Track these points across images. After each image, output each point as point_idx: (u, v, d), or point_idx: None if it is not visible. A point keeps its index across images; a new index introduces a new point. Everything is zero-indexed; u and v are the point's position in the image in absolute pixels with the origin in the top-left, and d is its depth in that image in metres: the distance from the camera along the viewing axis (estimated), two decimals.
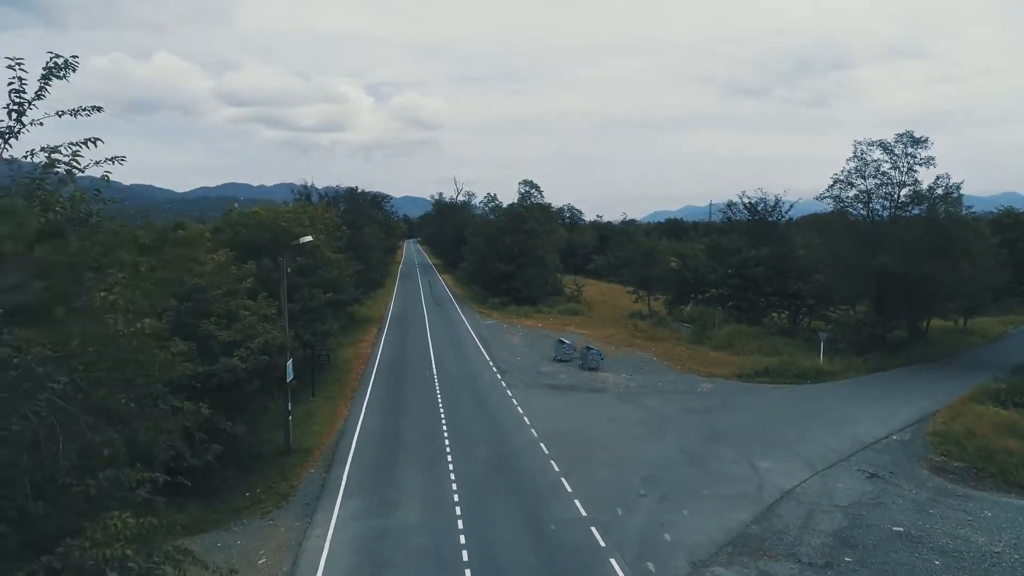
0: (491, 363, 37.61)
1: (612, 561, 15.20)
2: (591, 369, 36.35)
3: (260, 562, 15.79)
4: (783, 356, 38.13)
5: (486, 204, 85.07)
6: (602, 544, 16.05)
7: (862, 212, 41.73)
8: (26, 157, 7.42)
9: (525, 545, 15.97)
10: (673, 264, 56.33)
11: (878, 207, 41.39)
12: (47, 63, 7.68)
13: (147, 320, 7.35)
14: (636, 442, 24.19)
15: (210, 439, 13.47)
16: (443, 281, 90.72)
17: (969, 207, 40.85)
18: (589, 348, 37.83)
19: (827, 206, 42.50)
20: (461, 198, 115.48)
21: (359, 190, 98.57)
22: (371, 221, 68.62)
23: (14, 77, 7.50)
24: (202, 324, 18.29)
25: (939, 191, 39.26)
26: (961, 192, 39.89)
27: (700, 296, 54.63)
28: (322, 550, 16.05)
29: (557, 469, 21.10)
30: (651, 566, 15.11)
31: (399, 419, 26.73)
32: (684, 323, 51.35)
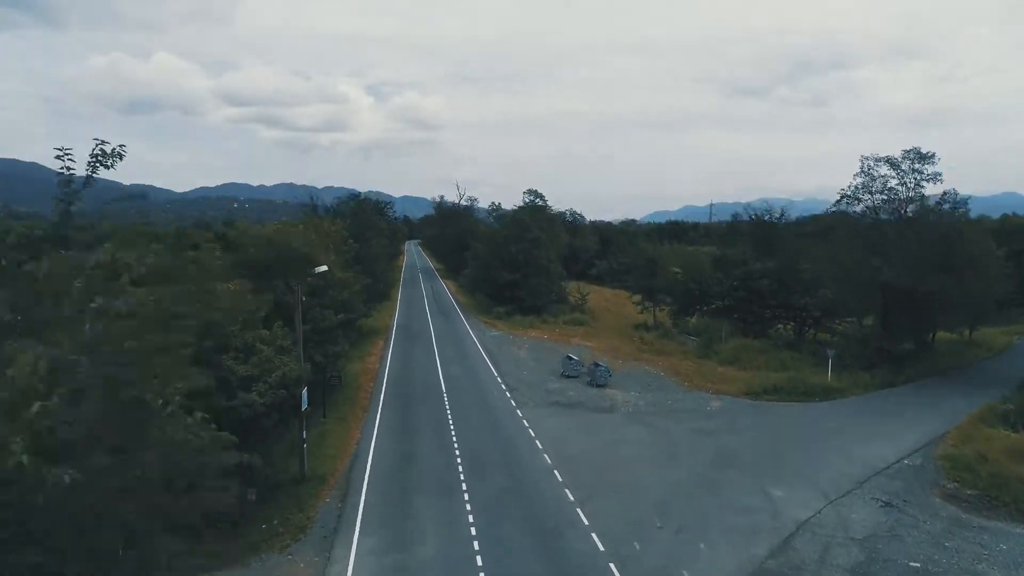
0: (499, 379, 37.67)
1: None
2: (599, 386, 36.42)
3: None
4: (790, 372, 38.20)
5: (490, 214, 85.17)
6: None
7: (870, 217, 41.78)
8: None
9: None
10: (677, 274, 56.35)
11: (885, 218, 41.53)
12: (93, 151, 7.76)
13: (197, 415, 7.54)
14: (649, 467, 24.26)
15: (237, 477, 13.60)
16: (446, 287, 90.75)
17: (967, 209, 41.04)
18: (597, 364, 37.89)
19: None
20: (463, 203, 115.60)
21: (362, 196, 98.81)
22: (376, 233, 68.58)
23: (63, 167, 7.59)
24: (221, 360, 18.34)
25: (946, 206, 39.37)
26: (968, 207, 40.06)
27: (705, 307, 54.71)
28: None
29: (572, 498, 21.17)
30: None
31: (411, 442, 26.78)
32: (690, 336, 51.40)
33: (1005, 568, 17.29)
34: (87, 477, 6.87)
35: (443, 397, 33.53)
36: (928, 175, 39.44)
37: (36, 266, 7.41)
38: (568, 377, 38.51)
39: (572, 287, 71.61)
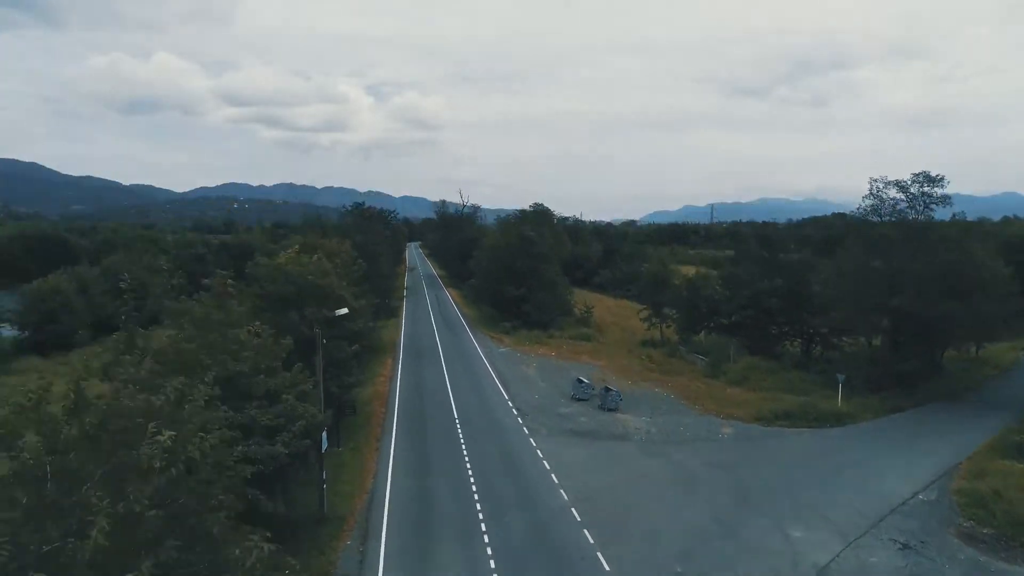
0: (510, 403, 37.78)
1: None
2: (610, 410, 36.55)
3: None
4: (800, 396, 38.30)
5: (497, 228, 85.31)
6: None
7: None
8: None
9: None
10: (682, 291, 56.44)
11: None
12: None
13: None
14: (667, 507, 24.33)
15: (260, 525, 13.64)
16: (451, 297, 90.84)
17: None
18: (608, 389, 37.99)
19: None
20: (467, 210, 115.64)
21: (364, 204, 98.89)
22: (383, 248, 68.60)
23: None
24: (245, 408, 18.41)
25: (955, 231, 39.48)
26: (978, 228, 40.18)
27: (712, 324, 54.80)
28: None
29: (592, 541, 21.26)
30: None
31: (427, 478, 26.82)
32: (698, 355, 51.47)
33: None
34: None
35: (456, 425, 33.59)
36: (937, 198, 39.61)
37: (108, 406, 7.53)
38: (579, 400, 38.64)
39: (578, 299, 71.60)
